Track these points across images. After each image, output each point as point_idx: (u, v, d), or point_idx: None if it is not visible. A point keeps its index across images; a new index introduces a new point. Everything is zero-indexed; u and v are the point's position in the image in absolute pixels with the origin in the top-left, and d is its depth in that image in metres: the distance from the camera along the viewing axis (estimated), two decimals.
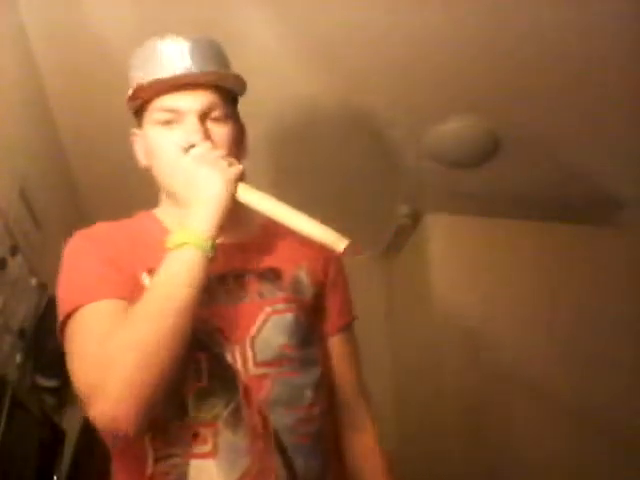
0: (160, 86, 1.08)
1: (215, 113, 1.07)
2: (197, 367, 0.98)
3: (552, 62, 2.11)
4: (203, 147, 1.03)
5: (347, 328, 1.20)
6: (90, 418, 0.90)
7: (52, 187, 2.56)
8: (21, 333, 2.28)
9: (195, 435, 0.95)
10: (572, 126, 2.42)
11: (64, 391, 2.68)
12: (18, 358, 2.27)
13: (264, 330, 1.02)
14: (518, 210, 2.83)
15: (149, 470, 0.95)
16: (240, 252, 1.08)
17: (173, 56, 1.09)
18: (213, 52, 1.16)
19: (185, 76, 1.06)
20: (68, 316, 1.04)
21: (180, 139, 1.05)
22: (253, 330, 1.02)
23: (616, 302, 2.64)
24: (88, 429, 2.61)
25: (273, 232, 1.12)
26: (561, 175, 2.71)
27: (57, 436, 2.56)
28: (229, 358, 0.99)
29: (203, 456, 0.94)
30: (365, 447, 1.16)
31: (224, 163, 1.01)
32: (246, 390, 0.98)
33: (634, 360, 2.54)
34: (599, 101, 2.28)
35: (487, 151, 2.54)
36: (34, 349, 2.40)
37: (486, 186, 2.80)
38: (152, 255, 1.01)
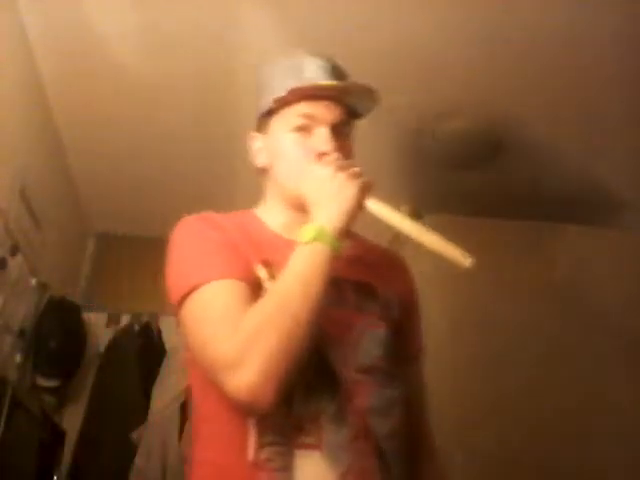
0: (308, 92, 1.11)
1: (344, 128, 1.13)
2: (305, 362, 0.97)
3: (552, 62, 2.11)
4: (336, 157, 1.07)
5: (421, 357, 1.22)
6: (225, 390, 0.92)
7: (52, 187, 2.56)
8: (21, 333, 2.29)
9: (299, 427, 0.98)
10: (572, 126, 2.42)
11: (64, 391, 2.68)
12: (18, 358, 2.27)
13: (364, 340, 1.06)
14: (518, 210, 2.83)
15: (251, 456, 0.96)
16: (339, 262, 1.05)
17: (317, 68, 1.15)
18: (345, 73, 1.21)
19: (333, 87, 1.12)
20: (190, 292, 1.04)
21: (315, 146, 1.09)
22: (354, 337, 1.05)
23: (616, 302, 2.64)
24: (88, 429, 2.61)
25: (365, 247, 1.19)
26: (561, 175, 2.71)
27: (57, 436, 2.56)
28: (331, 358, 1.02)
29: (308, 447, 0.97)
30: (440, 476, 1.17)
31: (357, 173, 1.05)
32: (349, 393, 1.01)
33: (635, 359, 2.54)
34: (599, 101, 2.28)
35: (487, 151, 2.54)
36: (34, 349, 2.40)
37: (486, 186, 2.80)
38: (263, 249, 1.07)
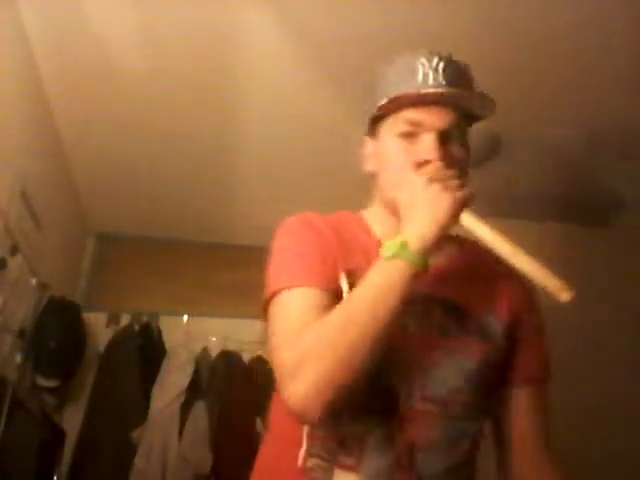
0: (413, 99, 1.06)
1: (455, 133, 1.08)
2: (363, 381, 0.94)
3: (552, 62, 2.11)
4: (436, 166, 1.02)
5: (538, 384, 1.11)
6: (281, 396, 0.93)
7: (52, 187, 2.56)
8: (21, 333, 2.29)
9: (342, 444, 0.96)
10: (572, 127, 2.42)
11: (64, 391, 2.68)
12: (18, 358, 2.27)
13: (441, 368, 0.99)
14: (518, 210, 2.83)
15: (301, 461, 0.97)
16: (432, 275, 1.00)
17: (427, 72, 1.10)
18: (464, 73, 1.16)
19: (438, 93, 1.07)
20: (274, 294, 1.02)
21: (416, 154, 1.04)
22: (429, 363, 0.99)
23: (616, 302, 2.64)
24: (88, 429, 2.61)
25: (477, 257, 1.09)
26: (561, 175, 2.71)
27: (57, 436, 2.56)
28: (395, 380, 0.97)
29: (347, 468, 0.95)
30: None
31: (455, 184, 1.00)
32: (403, 418, 0.96)
33: (633, 360, 2.54)
34: (599, 101, 2.28)
35: (488, 151, 2.54)
36: (34, 349, 2.40)
37: (486, 186, 2.80)
38: (354, 257, 1.04)
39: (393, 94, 1.06)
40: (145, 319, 2.90)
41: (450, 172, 1.02)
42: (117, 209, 3.10)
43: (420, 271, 0.92)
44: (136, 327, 2.86)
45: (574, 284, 2.74)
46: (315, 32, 2.04)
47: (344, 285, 1.00)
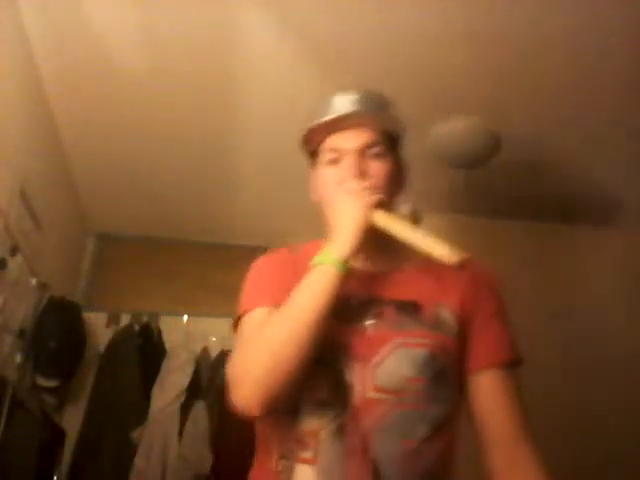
0: (325, 128, 1.20)
1: (373, 150, 1.18)
2: (317, 379, 1.05)
3: (552, 63, 2.11)
4: (349, 181, 1.14)
5: (503, 366, 1.13)
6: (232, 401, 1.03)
7: (52, 187, 2.56)
8: (21, 333, 2.29)
9: (301, 441, 1.04)
10: (572, 127, 2.42)
11: (64, 391, 2.68)
12: (18, 358, 2.27)
13: (390, 359, 1.06)
14: (518, 210, 2.83)
15: (273, 465, 1.06)
16: (385, 281, 1.15)
17: (340, 104, 1.22)
18: (377, 99, 1.27)
19: (340, 118, 1.19)
20: (236, 323, 1.18)
21: (337, 176, 1.17)
22: (379, 356, 1.06)
23: (616, 302, 2.64)
24: (88, 429, 2.61)
25: (422, 267, 1.16)
26: (561, 175, 2.71)
27: (57, 436, 2.56)
28: (349, 376, 1.05)
29: (306, 461, 1.03)
30: None
31: (364, 192, 1.11)
32: (357, 410, 1.03)
33: (633, 359, 2.54)
34: (599, 101, 2.28)
35: (487, 151, 2.54)
36: (34, 349, 2.40)
37: (486, 186, 2.80)
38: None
39: (306, 129, 1.22)
40: (145, 319, 2.90)
41: (363, 183, 1.13)
42: (117, 209, 3.10)
43: (342, 273, 1.04)
44: (136, 327, 2.86)
45: (574, 284, 2.73)
46: (315, 32, 2.04)
47: None
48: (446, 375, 1.08)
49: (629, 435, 2.43)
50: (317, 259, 1.07)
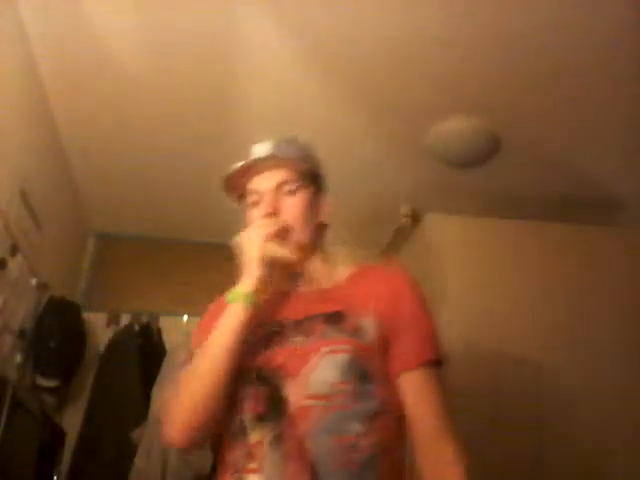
0: (244, 174, 1.34)
1: (286, 188, 1.31)
2: (258, 398, 1.18)
3: (552, 62, 2.11)
4: (258, 222, 1.28)
5: (421, 367, 1.21)
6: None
7: (52, 187, 2.56)
8: (21, 333, 2.28)
9: (249, 453, 1.15)
10: (572, 126, 2.42)
11: (64, 391, 2.68)
12: (18, 358, 2.27)
13: (318, 368, 1.16)
14: (518, 210, 2.83)
15: (228, 478, 1.17)
16: (314, 300, 1.27)
17: (257, 151, 1.35)
18: (289, 143, 1.38)
19: (254, 162, 1.32)
20: None
21: (255, 217, 1.31)
22: (308, 367, 1.17)
23: (616, 302, 2.64)
24: (88, 429, 2.61)
25: (348, 285, 1.29)
26: (561, 175, 2.71)
27: (57, 436, 2.56)
28: (285, 391, 1.16)
29: (253, 471, 1.13)
30: None
31: (260, 230, 1.26)
32: (292, 418, 1.13)
33: (634, 359, 2.54)
34: (599, 101, 2.28)
35: (487, 151, 2.54)
36: (34, 349, 2.40)
37: (486, 186, 2.80)
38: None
39: (224, 178, 1.35)
40: (145, 319, 2.90)
41: (264, 222, 1.27)
42: (117, 209, 3.10)
43: (249, 307, 1.19)
44: (136, 327, 2.86)
45: (574, 284, 2.73)
46: (316, 32, 2.04)
47: None
48: (370, 375, 1.18)
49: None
50: (228, 297, 1.22)
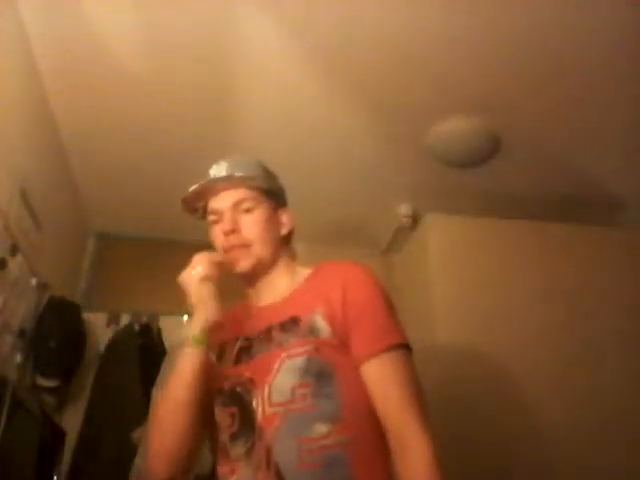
0: (202, 195, 1.40)
1: (242, 206, 1.37)
2: (232, 418, 1.24)
3: (552, 62, 2.12)
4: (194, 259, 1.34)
5: (380, 354, 1.21)
6: None
7: (52, 187, 2.56)
8: (21, 333, 2.28)
9: (231, 469, 1.21)
10: (572, 126, 2.42)
11: (64, 391, 2.68)
12: (18, 358, 2.27)
13: (278, 375, 1.20)
14: (518, 210, 2.83)
15: None
16: (273, 310, 1.32)
17: (213, 172, 1.41)
18: (244, 163, 1.45)
19: (205, 185, 1.38)
20: None
21: (217, 235, 1.39)
22: (270, 376, 1.20)
23: (616, 302, 2.64)
24: (88, 429, 2.61)
25: (303, 288, 1.33)
26: (561, 175, 2.71)
27: (57, 436, 2.56)
28: (254, 404, 1.21)
29: None
30: (413, 472, 1.13)
31: (196, 271, 1.31)
32: (260, 429, 1.18)
33: (634, 359, 2.54)
34: (599, 101, 2.28)
35: (487, 151, 2.54)
36: (34, 349, 2.40)
37: (486, 186, 2.80)
38: (239, 325, 1.38)
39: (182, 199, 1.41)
40: (145, 319, 2.90)
41: (200, 257, 1.33)
42: (117, 209, 3.10)
43: (198, 348, 1.23)
44: (136, 327, 2.85)
45: (574, 283, 2.73)
46: (315, 32, 2.04)
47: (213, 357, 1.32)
48: (329, 374, 1.19)
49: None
50: (181, 337, 1.26)
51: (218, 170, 1.41)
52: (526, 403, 2.45)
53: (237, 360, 1.30)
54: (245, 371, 1.26)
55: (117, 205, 3.06)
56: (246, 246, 1.33)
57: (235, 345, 1.33)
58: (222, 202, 1.38)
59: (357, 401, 1.20)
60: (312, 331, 1.23)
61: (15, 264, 2.11)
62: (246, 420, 1.21)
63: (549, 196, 2.83)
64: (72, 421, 2.70)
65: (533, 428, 2.41)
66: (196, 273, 1.30)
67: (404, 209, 2.97)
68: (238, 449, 1.20)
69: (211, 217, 1.40)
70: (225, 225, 1.35)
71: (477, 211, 2.80)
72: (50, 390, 2.51)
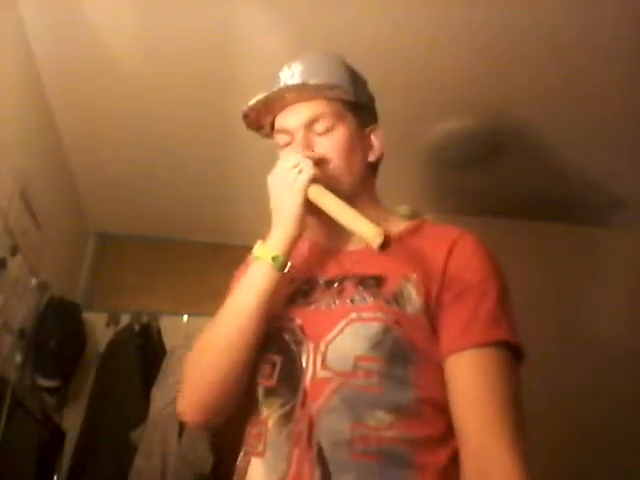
0: (266, 109, 1.12)
1: (319, 124, 1.09)
2: (272, 368, 1.01)
3: (552, 62, 2.11)
4: (283, 164, 1.06)
5: (475, 348, 0.95)
6: None
7: (52, 187, 2.56)
8: (21, 333, 2.28)
9: (259, 433, 0.99)
10: (572, 126, 2.42)
11: (64, 391, 2.68)
12: (18, 358, 2.27)
13: (341, 336, 0.97)
14: (518, 210, 2.83)
15: (237, 463, 1.05)
16: (352, 258, 1.07)
17: (285, 81, 1.14)
18: (323, 66, 1.17)
19: (268, 96, 1.10)
20: None
21: (285, 161, 1.08)
22: (330, 334, 0.98)
23: (616, 302, 2.64)
24: (88, 429, 2.61)
25: (403, 240, 1.07)
26: (561, 175, 2.71)
27: (57, 436, 2.56)
28: (304, 359, 0.98)
29: (258, 454, 0.98)
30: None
31: (292, 175, 1.03)
32: (304, 393, 0.95)
33: (634, 358, 2.54)
34: (599, 101, 2.28)
35: (487, 151, 2.54)
36: (34, 349, 2.40)
37: (486, 186, 2.80)
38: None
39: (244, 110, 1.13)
40: (145, 319, 2.90)
41: (294, 158, 1.04)
42: (117, 209, 3.10)
43: (278, 267, 1.00)
44: (136, 327, 2.86)
45: (575, 284, 2.72)
46: (315, 33, 2.04)
47: None
48: (407, 355, 0.96)
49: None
50: (255, 252, 1.04)
51: (289, 75, 1.14)
52: (526, 403, 2.45)
53: (289, 303, 1.05)
54: (298, 317, 1.02)
55: (117, 205, 3.06)
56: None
57: (292, 286, 1.08)
58: (293, 119, 1.10)
59: (433, 398, 0.95)
60: (397, 300, 0.98)
61: (15, 264, 2.11)
62: (289, 376, 0.98)
63: (549, 196, 2.82)
64: (72, 421, 2.70)
65: (532, 428, 2.41)
66: (303, 177, 1.02)
67: (404, 209, 2.97)
68: (272, 410, 0.97)
69: (279, 137, 1.12)
70: (297, 150, 1.07)
71: (477, 211, 2.80)
72: (50, 390, 2.51)
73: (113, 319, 2.99)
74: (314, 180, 1.03)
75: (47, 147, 2.48)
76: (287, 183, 1.04)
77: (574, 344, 2.56)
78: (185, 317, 2.99)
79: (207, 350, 1.01)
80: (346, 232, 1.05)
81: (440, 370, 0.97)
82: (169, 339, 2.86)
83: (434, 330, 0.98)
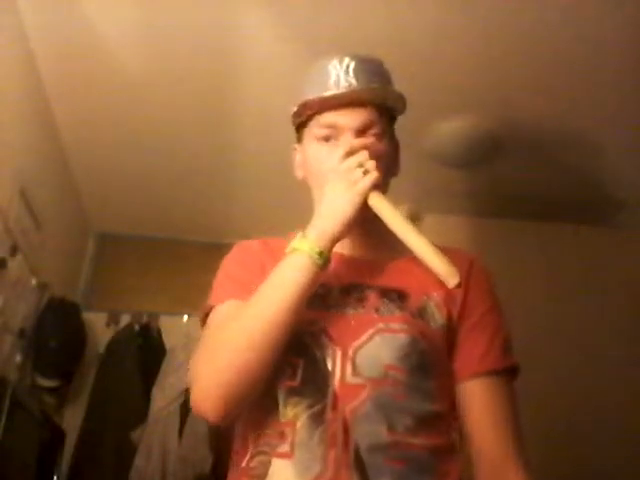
0: (324, 103, 1.08)
1: (372, 131, 1.08)
2: (292, 369, 0.99)
3: (552, 62, 2.11)
4: (349, 160, 1.02)
5: (492, 374, 1.03)
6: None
7: (52, 187, 2.56)
8: (21, 333, 2.28)
9: (281, 433, 0.96)
10: (572, 126, 2.42)
11: (64, 391, 2.68)
12: (18, 358, 2.27)
13: (371, 344, 0.99)
14: (518, 210, 2.83)
15: (243, 464, 0.99)
16: (373, 268, 1.07)
17: (339, 75, 1.12)
18: (377, 70, 1.19)
19: (345, 94, 1.08)
20: (205, 316, 1.10)
21: (331, 154, 1.05)
22: (359, 341, 0.99)
23: (616, 302, 2.64)
24: (88, 429, 2.61)
25: (413, 256, 1.05)
26: (561, 175, 2.71)
27: (57, 436, 2.56)
28: (329, 362, 0.98)
29: (283, 455, 0.95)
30: None
31: (357, 174, 1.00)
32: (336, 396, 0.96)
33: (634, 358, 2.54)
34: (599, 101, 2.28)
35: (487, 151, 2.54)
36: (34, 349, 2.40)
37: (486, 186, 2.80)
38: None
39: (302, 101, 1.10)
40: (145, 319, 2.90)
41: (357, 158, 1.01)
42: (117, 209, 3.10)
43: (320, 265, 0.96)
44: (136, 327, 2.86)
45: (575, 283, 2.72)
46: (315, 32, 2.04)
47: None
48: (428, 369, 1.00)
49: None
50: (293, 244, 0.98)
51: (345, 74, 1.12)
52: (525, 403, 2.45)
53: (309, 304, 1.01)
54: (319, 320, 1.01)
55: (117, 205, 3.06)
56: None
57: None
58: (348, 118, 1.07)
59: (445, 411, 1.01)
60: (422, 314, 1.02)
61: (15, 264, 2.11)
62: (314, 378, 0.97)
63: (549, 196, 2.82)
64: (72, 421, 2.70)
65: (532, 427, 2.41)
66: (369, 179, 0.99)
67: (404, 209, 2.97)
68: (298, 410, 0.96)
69: (321, 130, 1.09)
70: (354, 148, 1.04)
71: (477, 211, 2.80)
72: (50, 390, 2.51)
73: (113, 319, 2.99)
74: (376, 186, 1.01)
75: (47, 147, 2.48)
76: (349, 181, 1.00)
77: (574, 344, 2.56)
78: (185, 317, 3.00)
79: (237, 343, 0.95)
80: (362, 240, 1.09)
81: (451, 386, 1.03)
82: (169, 339, 2.86)
83: (449, 348, 1.04)
